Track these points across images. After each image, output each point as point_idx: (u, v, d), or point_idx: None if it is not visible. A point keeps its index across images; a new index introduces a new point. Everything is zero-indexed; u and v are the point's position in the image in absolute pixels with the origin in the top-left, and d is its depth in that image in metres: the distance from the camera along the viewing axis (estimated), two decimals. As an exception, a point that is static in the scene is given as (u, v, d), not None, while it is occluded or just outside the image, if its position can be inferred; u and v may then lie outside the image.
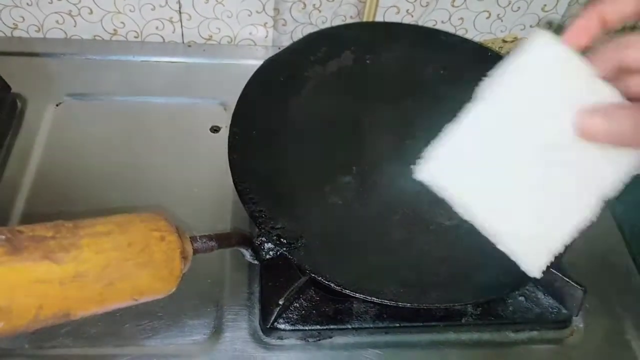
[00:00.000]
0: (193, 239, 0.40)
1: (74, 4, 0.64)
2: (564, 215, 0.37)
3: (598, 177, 0.36)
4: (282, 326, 0.47)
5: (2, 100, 0.59)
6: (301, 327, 0.47)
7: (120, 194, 0.54)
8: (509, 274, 0.46)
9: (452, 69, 0.60)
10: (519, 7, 0.69)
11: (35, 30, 0.66)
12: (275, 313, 0.46)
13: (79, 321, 0.45)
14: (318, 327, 0.48)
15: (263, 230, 0.46)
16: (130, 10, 0.65)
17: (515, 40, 0.73)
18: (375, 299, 0.44)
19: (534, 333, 0.50)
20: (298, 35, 0.69)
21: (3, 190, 0.54)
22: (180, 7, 0.65)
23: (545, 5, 0.69)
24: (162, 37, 0.68)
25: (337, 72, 0.60)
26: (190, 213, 0.53)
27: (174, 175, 0.57)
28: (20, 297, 0.30)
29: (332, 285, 0.44)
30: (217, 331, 0.47)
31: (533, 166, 0.35)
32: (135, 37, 0.68)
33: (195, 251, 0.40)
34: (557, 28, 0.71)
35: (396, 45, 0.62)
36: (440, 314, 0.49)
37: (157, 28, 0.67)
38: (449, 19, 0.69)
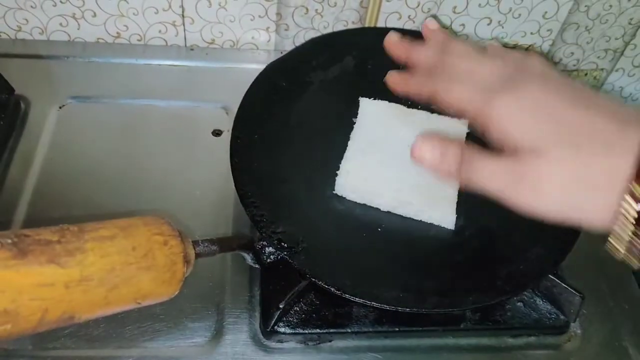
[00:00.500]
0: (195, 243, 0.41)
1: (78, 7, 0.64)
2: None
3: None
4: (282, 329, 0.47)
5: (6, 102, 0.59)
6: (301, 331, 0.48)
7: (121, 196, 0.55)
8: (508, 279, 0.47)
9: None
10: (520, 14, 0.69)
11: (39, 33, 0.67)
12: (276, 316, 0.47)
13: (82, 323, 0.45)
14: (318, 330, 0.48)
15: (264, 234, 0.47)
16: (134, 14, 0.65)
17: (516, 46, 0.73)
18: (374, 304, 0.44)
19: (532, 338, 0.50)
20: (300, 40, 0.69)
21: (6, 192, 0.54)
22: (183, 11, 0.66)
23: (546, 12, 0.69)
24: (165, 40, 0.69)
25: (338, 77, 0.60)
26: (192, 216, 0.53)
27: (176, 179, 0.57)
28: (26, 300, 0.30)
29: (332, 289, 0.44)
30: (217, 334, 0.48)
31: (404, 156, 0.44)
32: (138, 40, 0.68)
33: (198, 255, 0.41)
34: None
35: (397, 51, 0.62)
36: (439, 318, 0.50)
37: (160, 31, 0.68)
38: (451, 24, 0.69)
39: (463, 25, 0.70)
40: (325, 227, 0.50)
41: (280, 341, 0.48)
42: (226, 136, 0.59)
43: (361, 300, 0.44)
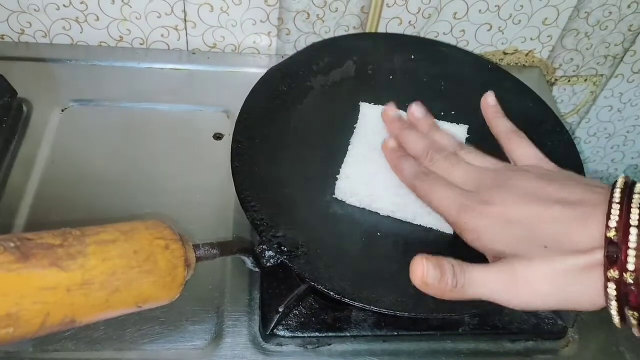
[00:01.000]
0: (196, 247, 0.41)
1: (81, 11, 0.65)
2: None
3: None
4: (281, 333, 0.48)
5: (9, 105, 0.59)
6: (300, 334, 0.48)
7: (123, 200, 0.55)
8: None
9: (453, 80, 0.61)
10: (520, 20, 0.69)
11: (42, 36, 0.67)
12: (275, 320, 0.47)
13: (83, 326, 0.46)
14: (317, 334, 0.48)
15: (264, 238, 0.47)
16: (137, 18, 0.66)
17: (516, 52, 0.73)
18: (373, 308, 0.44)
19: (530, 343, 0.51)
20: (302, 44, 0.70)
21: (8, 195, 0.54)
22: (185, 16, 0.66)
23: (546, 18, 0.69)
24: (167, 44, 0.69)
25: (339, 81, 0.61)
26: (193, 220, 0.54)
27: (177, 182, 0.57)
28: (29, 304, 0.31)
29: (331, 293, 0.44)
30: (217, 337, 0.48)
31: None
32: (141, 44, 0.69)
33: (198, 259, 0.41)
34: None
35: (398, 56, 0.62)
36: (438, 323, 0.50)
37: (162, 36, 0.68)
38: (451, 30, 0.70)
39: (463, 31, 0.70)
40: (325, 231, 0.50)
41: (280, 345, 0.48)
42: (227, 140, 0.60)
43: (360, 305, 0.44)
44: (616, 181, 0.35)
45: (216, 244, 0.43)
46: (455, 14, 0.68)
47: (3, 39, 0.67)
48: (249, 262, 0.48)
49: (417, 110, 0.52)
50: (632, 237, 0.32)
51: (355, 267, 0.47)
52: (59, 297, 0.32)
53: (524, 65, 0.75)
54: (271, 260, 0.48)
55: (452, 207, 0.42)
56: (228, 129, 0.61)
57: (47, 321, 0.31)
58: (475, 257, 0.50)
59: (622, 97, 0.82)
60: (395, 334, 0.49)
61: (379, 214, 0.51)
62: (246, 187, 0.50)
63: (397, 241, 0.50)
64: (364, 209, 0.51)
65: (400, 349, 0.49)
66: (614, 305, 0.33)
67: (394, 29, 0.69)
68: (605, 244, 0.33)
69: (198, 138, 0.61)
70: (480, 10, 0.68)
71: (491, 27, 0.70)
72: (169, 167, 0.58)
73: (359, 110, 0.57)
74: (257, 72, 0.59)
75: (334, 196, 0.51)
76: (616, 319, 0.34)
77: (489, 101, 0.51)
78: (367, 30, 0.69)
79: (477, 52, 0.72)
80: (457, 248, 0.50)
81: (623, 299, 0.32)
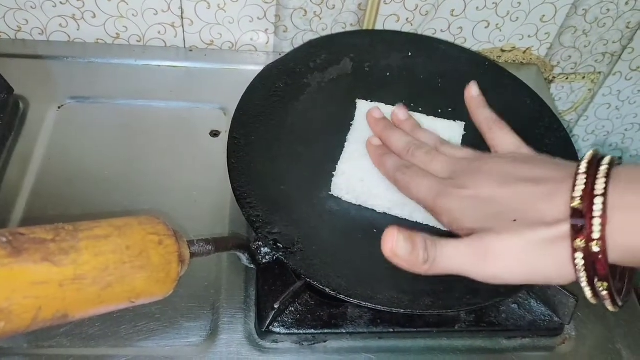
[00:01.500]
0: (190, 243, 0.41)
1: (78, 8, 0.65)
2: None
3: None
4: (277, 330, 0.48)
5: (5, 102, 0.59)
6: (296, 331, 0.48)
7: (119, 197, 0.55)
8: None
9: (450, 77, 0.61)
10: (517, 18, 0.69)
11: (39, 33, 0.67)
12: (271, 317, 0.47)
13: (77, 322, 0.46)
14: (313, 331, 0.48)
15: (260, 234, 0.47)
16: (133, 15, 0.66)
17: (513, 49, 0.73)
18: (369, 305, 0.44)
19: (526, 340, 0.51)
20: (299, 41, 0.69)
21: (4, 191, 0.54)
22: (182, 13, 0.66)
23: (544, 15, 0.69)
24: (164, 41, 0.69)
25: (336, 78, 0.61)
26: (189, 216, 0.54)
27: (174, 179, 0.57)
28: (20, 299, 0.31)
29: (326, 290, 0.44)
30: (213, 334, 0.48)
31: None
32: (138, 41, 0.69)
33: (193, 255, 0.41)
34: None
35: (395, 53, 0.62)
36: (434, 320, 0.50)
37: (159, 33, 0.68)
38: (448, 28, 0.70)
39: (461, 28, 0.70)
40: (320, 228, 0.50)
41: (275, 341, 0.48)
42: (224, 137, 0.60)
43: (356, 301, 0.44)
44: (585, 154, 0.36)
45: (211, 239, 0.43)
46: (453, 11, 0.68)
47: (0, 35, 0.67)
48: (244, 258, 0.48)
49: (399, 112, 0.54)
50: (597, 206, 0.32)
51: (351, 263, 0.47)
52: (50, 292, 0.31)
53: (521, 62, 0.75)
54: (267, 257, 0.48)
55: (429, 195, 0.43)
56: (225, 126, 0.61)
57: (39, 316, 0.31)
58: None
59: (620, 95, 0.82)
60: (391, 330, 0.49)
61: (375, 210, 0.51)
62: (242, 183, 0.50)
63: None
64: (360, 205, 0.51)
65: (396, 345, 0.49)
66: (583, 276, 0.33)
67: (391, 26, 0.69)
68: (570, 213, 0.33)
69: (195, 135, 0.61)
70: (477, 7, 0.67)
71: (488, 24, 0.70)
72: (166, 164, 0.58)
73: (355, 107, 0.57)
74: (254, 69, 0.59)
75: (330, 193, 0.51)
76: (588, 292, 0.34)
77: (472, 92, 0.52)
78: (364, 27, 0.68)
79: (474, 49, 0.72)
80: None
81: (591, 269, 0.33)
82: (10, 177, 0.55)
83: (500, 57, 0.74)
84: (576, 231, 0.33)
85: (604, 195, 0.32)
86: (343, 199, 0.51)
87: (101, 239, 0.34)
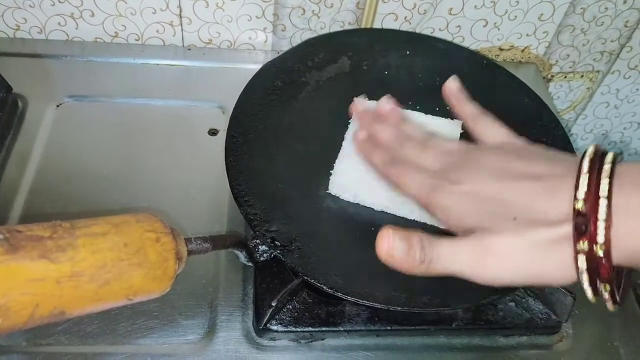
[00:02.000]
0: (188, 241, 0.41)
1: (76, 7, 0.65)
2: None
3: None
4: (274, 327, 0.48)
5: (4, 100, 0.59)
6: (293, 329, 0.48)
7: (118, 195, 0.55)
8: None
9: (448, 76, 0.61)
10: (515, 16, 0.69)
11: (38, 32, 0.67)
12: (268, 314, 0.47)
13: (75, 320, 0.46)
14: (310, 328, 0.48)
15: (258, 232, 0.47)
16: (132, 14, 0.66)
17: (511, 48, 0.73)
18: (366, 302, 0.44)
19: (524, 338, 0.51)
20: (297, 40, 0.70)
21: (3, 189, 0.54)
22: (180, 11, 0.66)
23: (542, 14, 0.69)
24: (162, 40, 0.69)
25: (334, 77, 0.61)
26: (188, 215, 0.54)
27: (172, 177, 0.57)
28: (17, 295, 0.31)
29: (324, 287, 0.44)
30: (210, 331, 0.48)
31: None
32: (136, 40, 0.69)
33: (190, 252, 0.41)
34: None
35: (393, 52, 0.62)
36: (431, 317, 0.50)
37: (157, 31, 0.68)
38: (446, 26, 0.70)
39: (459, 27, 0.70)
40: (318, 226, 0.50)
41: (273, 339, 0.48)
42: (222, 135, 0.60)
43: (353, 299, 0.44)
44: (586, 150, 0.34)
45: (208, 237, 0.43)
46: (451, 9, 0.68)
47: (-2, 34, 0.68)
48: (242, 256, 0.48)
49: (385, 104, 0.51)
50: (602, 208, 0.31)
51: (348, 261, 0.47)
52: (47, 289, 0.32)
53: (519, 61, 0.75)
54: (264, 255, 0.48)
55: (422, 189, 0.41)
56: (223, 124, 0.61)
57: (36, 312, 0.31)
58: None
59: (619, 94, 0.82)
60: (389, 328, 0.49)
61: (373, 208, 0.51)
62: (240, 181, 0.50)
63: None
64: (357, 203, 0.51)
65: (394, 343, 0.49)
66: (585, 277, 0.32)
67: (390, 24, 0.69)
68: (573, 215, 0.32)
69: (193, 133, 0.61)
70: (475, 6, 0.68)
71: (487, 22, 0.70)
72: (164, 162, 0.58)
73: (353, 106, 0.57)
74: (253, 68, 0.59)
75: (327, 191, 0.52)
76: (589, 293, 0.33)
77: (452, 87, 0.49)
78: (362, 26, 0.68)
79: (472, 48, 0.72)
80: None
81: (594, 272, 0.32)
82: (9, 176, 0.55)
83: (498, 55, 0.74)
84: (580, 233, 0.32)
85: (609, 197, 0.31)
86: (340, 197, 0.51)
87: (98, 237, 0.34)
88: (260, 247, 0.48)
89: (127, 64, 0.67)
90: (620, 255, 0.31)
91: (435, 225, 0.50)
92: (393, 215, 0.51)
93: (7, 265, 0.30)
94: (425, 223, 0.50)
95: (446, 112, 0.57)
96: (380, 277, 0.47)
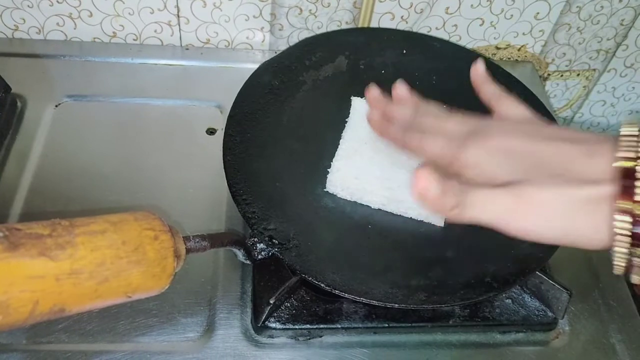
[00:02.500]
0: (186, 239, 0.41)
1: (75, 7, 0.65)
2: None
3: None
4: (273, 325, 0.48)
5: (3, 100, 0.59)
6: (292, 326, 0.48)
7: (117, 194, 0.55)
8: (496, 276, 0.48)
9: (444, 74, 0.61)
10: (512, 15, 0.70)
11: (36, 32, 0.68)
12: (267, 312, 0.47)
13: (75, 317, 0.46)
14: (308, 326, 0.49)
15: (255, 231, 0.47)
16: (130, 14, 0.66)
17: (508, 47, 0.74)
18: (364, 300, 0.45)
19: (520, 335, 0.51)
20: (294, 39, 0.70)
21: (2, 189, 0.55)
22: (178, 11, 0.66)
23: (538, 13, 0.70)
24: (160, 40, 0.69)
25: (331, 76, 0.61)
26: (186, 213, 0.54)
27: (170, 176, 0.58)
28: (17, 292, 0.31)
29: (322, 285, 0.45)
30: (209, 329, 0.48)
31: (394, 155, 0.50)
32: (134, 39, 0.69)
33: (188, 250, 0.41)
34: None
35: (390, 51, 0.63)
36: (428, 314, 0.50)
37: (155, 31, 0.68)
38: (443, 25, 0.70)
39: (456, 26, 0.70)
40: (316, 224, 0.50)
41: (271, 336, 0.49)
42: (220, 135, 0.60)
43: (351, 296, 0.45)
44: (623, 121, 0.34)
45: (207, 235, 0.43)
46: (447, 8, 0.68)
47: (-3, 35, 0.68)
48: (240, 254, 0.48)
49: (401, 88, 0.49)
50: None
51: (346, 259, 0.48)
52: (47, 286, 0.32)
53: (516, 60, 0.76)
54: (262, 253, 0.49)
55: (448, 148, 0.40)
56: (221, 123, 0.61)
57: (36, 309, 0.32)
58: (467, 248, 0.50)
59: (615, 92, 0.82)
60: (386, 325, 0.49)
61: (370, 207, 0.51)
62: (238, 180, 0.50)
63: (388, 234, 0.50)
64: (354, 202, 0.52)
65: (391, 340, 0.50)
66: (622, 240, 0.32)
67: (386, 23, 0.69)
68: (617, 173, 0.32)
69: (191, 133, 0.62)
70: (472, 5, 0.68)
71: (483, 21, 0.70)
72: (162, 162, 0.59)
73: (350, 105, 0.57)
74: (250, 67, 0.60)
75: (325, 189, 0.52)
76: (619, 260, 0.33)
77: (479, 69, 0.48)
78: (359, 25, 0.69)
79: (469, 46, 0.73)
80: (448, 240, 0.50)
81: (630, 234, 0.31)
82: (8, 175, 0.56)
83: (495, 54, 0.75)
84: (623, 192, 0.31)
85: None
86: (338, 195, 0.52)
87: (97, 234, 0.35)
88: (258, 245, 0.48)
89: (125, 63, 0.67)
90: None
91: (433, 223, 0.50)
92: (390, 213, 0.51)
93: (7, 262, 0.31)
94: (422, 221, 0.51)
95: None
96: (377, 274, 0.47)
